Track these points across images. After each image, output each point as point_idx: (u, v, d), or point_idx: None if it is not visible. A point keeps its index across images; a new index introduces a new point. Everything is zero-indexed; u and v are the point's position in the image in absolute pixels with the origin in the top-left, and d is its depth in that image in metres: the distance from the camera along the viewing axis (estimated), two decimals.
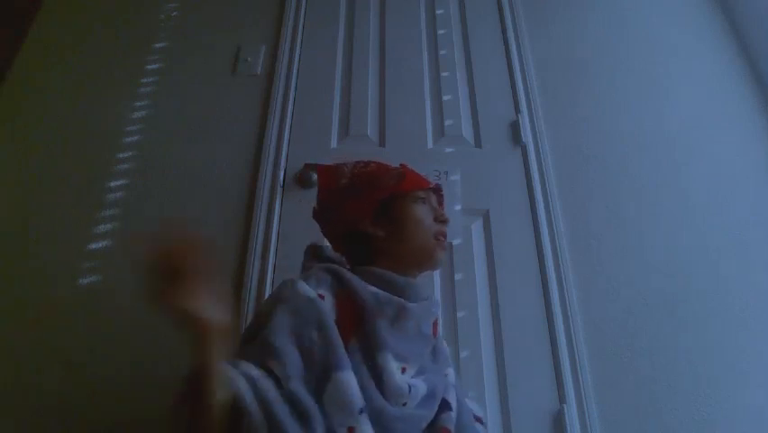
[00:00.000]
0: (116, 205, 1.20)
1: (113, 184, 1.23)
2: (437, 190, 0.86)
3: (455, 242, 1.17)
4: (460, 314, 1.08)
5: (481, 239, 1.19)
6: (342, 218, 0.79)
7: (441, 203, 0.86)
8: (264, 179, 1.22)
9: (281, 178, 1.23)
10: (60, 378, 0.99)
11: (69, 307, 1.07)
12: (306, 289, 0.65)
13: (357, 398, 0.58)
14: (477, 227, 1.20)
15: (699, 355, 1.08)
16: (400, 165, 0.83)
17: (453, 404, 0.72)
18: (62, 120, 1.33)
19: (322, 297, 0.65)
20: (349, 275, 0.70)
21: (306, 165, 1.23)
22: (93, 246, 1.14)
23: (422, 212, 0.78)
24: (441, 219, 0.79)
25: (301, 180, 1.22)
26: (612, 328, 1.09)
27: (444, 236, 0.79)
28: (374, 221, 0.77)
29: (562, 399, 1.00)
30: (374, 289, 0.69)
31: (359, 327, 0.66)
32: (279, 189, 1.21)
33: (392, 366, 0.64)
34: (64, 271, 1.11)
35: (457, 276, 1.13)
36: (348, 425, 0.57)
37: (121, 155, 1.27)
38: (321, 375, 0.59)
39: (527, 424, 0.98)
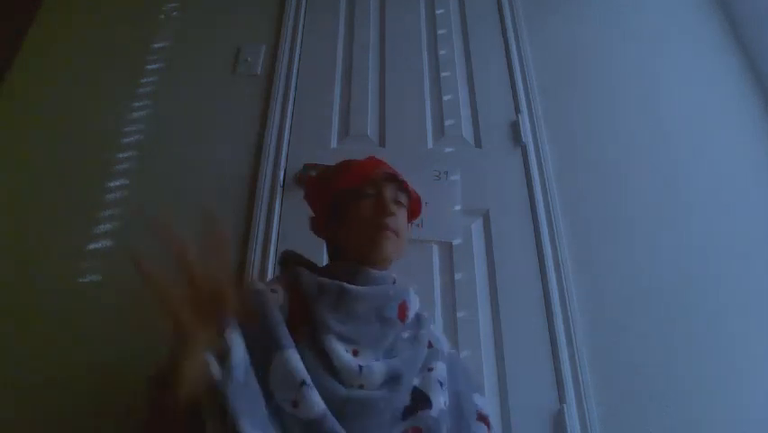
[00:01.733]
0: (116, 205, 1.20)
1: (113, 184, 1.23)
2: (392, 179, 0.82)
3: (455, 242, 1.17)
4: (460, 314, 1.08)
5: (481, 239, 1.19)
6: (313, 222, 0.86)
7: (404, 189, 0.83)
8: (264, 179, 1.22)
9: (281, 178, 1.23)
10: (60, 378, 1.00)
11: (69, 307, 1.07)
12: (257, 284, 0.71)
13: (298, 372, 0.60)
14: (477, 227, 1.20)
15: (700, 355, 1.08)
16: (368, 157, 0.86)
17: (435, 402, 0.67)
18: (62, 120, 1.33)
19: (274, 291, 0.70)
20: (299, 270, 0.74)
21: (306, 165, 1.23)
22: (93, 246, 1.14)
23: (363, 207, 0.78)
24: (383, 212, 0.77)
25: (301, 180, 1.22)
26: (612, 328, 1.09)
27: (389, 228, 0.76)
28: (326, 225, 0.82)
29: (562, 399, 1.00)
30: (321, 278, 0.72)
31: (305, 315, 0.69)
32: (279, 189, 1.21)
33: (337, 347, 0.65)
34: (64, 271, 1.11)
35: (457, 276, 1.13)
36: (290, 398, 0.58)
37: (121, 155, 1.28)
38: (263, 358, 0.60)
39: (527, 424, 0.98)
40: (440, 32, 1.53)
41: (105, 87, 1.39)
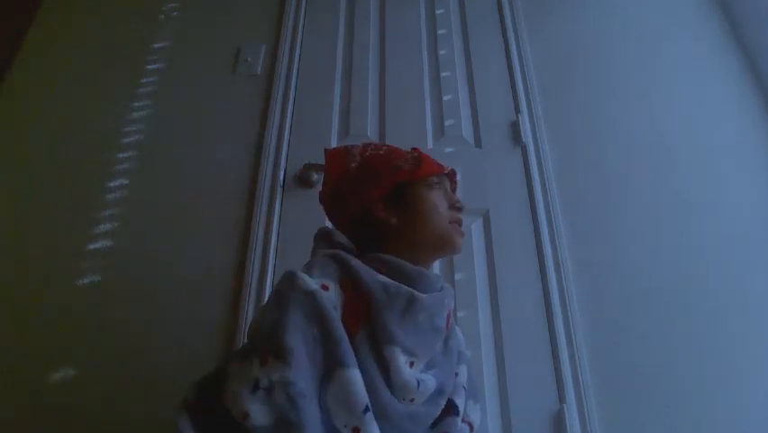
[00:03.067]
0: (116, 205, 1.20)
1: (113, 184, 1.23)
2: (451, 176, 0.83)
3: None
4: (460, 314, 1.08)
5: (481, 239, 1.19)
6: (353, 203, 0.75)
7: (455, 189, 0.84)
8: (264, 179, 1.22)
9: (281, 178, 1.23)
10: (61, 378, 0.99)
11: (69, 307, 1.07)
12: (306, 281, 0.60)
13: (361, 397, 0.55)
14: (477, 227, 1.20)
15: (700, 355, 1.08)
16: (413, 149, 0.80)
17: (461, 407, 0.69)
18: (62, 120, 1.33)
19: (326, 287, 0.61)
20: (356, 262, 0.65)
21: (306, 165, 1.23)
22: (93, 246, 1.14)
23: (437, 198, 0.75)
24: (456, 206, 0.77)
25: (301, 180, 1.22)
26: (612, 328, 1.09)
27: (460, 223, 0.76)
28: (386, 207, 0.73)
29: (562, 399, 1.00)
30: (383, 278, 0.65)
31: (366, 319, 0.62)
32: (279, 189, 1.21)
33: (400, 361, 0.61)
34: (64, 272, 1.11)
35: (457, 276, 1.13)
36: (352, 425, 0.54)
37: (121, 155, 1.27)
38: (324, 373, 0.55)
39: (527, 424, 0.98)
40: (440, 32, 1.53)
41: (105, 87, 1.39)
